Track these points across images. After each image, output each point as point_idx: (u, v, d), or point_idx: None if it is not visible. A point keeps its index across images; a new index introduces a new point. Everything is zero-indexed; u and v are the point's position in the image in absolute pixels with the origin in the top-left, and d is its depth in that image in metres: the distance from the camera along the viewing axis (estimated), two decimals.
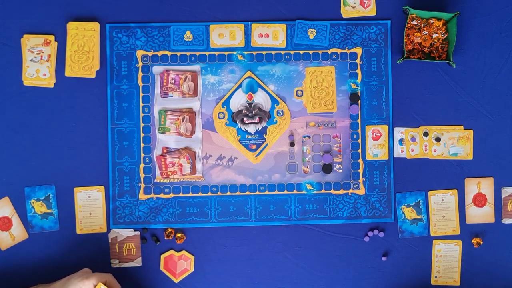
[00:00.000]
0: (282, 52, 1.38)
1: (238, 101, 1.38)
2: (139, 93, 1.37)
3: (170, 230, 1.35)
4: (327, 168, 1.37)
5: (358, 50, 1.38)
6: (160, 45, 1.37)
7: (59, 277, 1.26)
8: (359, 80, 1.38)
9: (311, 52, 1.38)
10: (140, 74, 1.37)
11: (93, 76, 1.35)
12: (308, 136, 1.38)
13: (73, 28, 1.34)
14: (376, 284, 1.37)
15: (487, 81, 1.39)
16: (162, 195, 1.37)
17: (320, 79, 1.38)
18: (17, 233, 1.35)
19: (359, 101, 1.38)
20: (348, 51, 1.38)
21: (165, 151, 1.36)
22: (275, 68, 1.38)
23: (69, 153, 1.35)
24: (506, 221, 1.38)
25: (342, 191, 1.38)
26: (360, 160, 1.38)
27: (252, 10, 1.38)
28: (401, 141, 1.38)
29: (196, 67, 1.38)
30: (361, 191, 1.38)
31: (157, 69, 1.37)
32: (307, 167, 1.38)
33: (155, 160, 1.36)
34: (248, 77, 1.38)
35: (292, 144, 1.38)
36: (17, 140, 1.35)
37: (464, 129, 1.38)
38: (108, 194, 1.36)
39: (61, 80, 1.36)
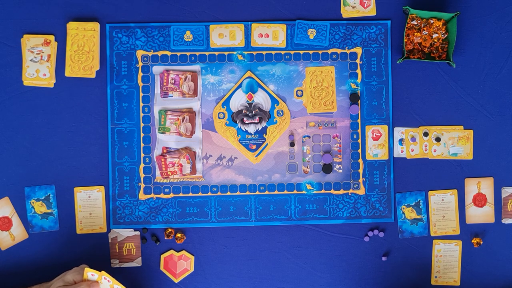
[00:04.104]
0: (282, 52, 1.38)
1: (238, 101, 1.38)
2: (139, 93, 1.37)
3: (170, 230, 1.36)
4: (327, 168, 1.37)
5: (358, 50, 1.38)
6: (160, 45, 1.37)
7: None
8: (359, 80, 1.38)
9: (311, 52, 1.38)
10: (140, 74, 1.37)
11: (93, 76, 1.35)
12: (308, 136, 1.38)
13: (73, 28, 1.34)
14: (376, 284, 1.37)
15: (487, 81, 1.39)
16: (162, 195, 1.37)
17: (320, 79, 1.38)
18: (17, 233, 1.35)
19: (359, 101, 1.38)
20: (348, 51, 1.38)
21: (165, 151, 1.36)
22: (275, 68, 1.38)
23: (69, 153, 1.35)
24: (506, 221, 1.38)
25: (342, 191, 1.38)
26: (360, 160, 1.38)
27: (252, 10, 1.38)
28: (401, 141, 1.38)
29: (196, 67, 1.38)
30: (361, 191, 1.38)
31: (157, 69, 1.37)
32: (307, 167, 1.38)
33: (155, 160, 1.36)
34: (248, 77, 1.38)
35: (292, 144, 1.38)
36: (17, 140, 1.35)
37: (464, 129, 1.38)
38: (108, 194, 1.36)
39: (61, 80, 1.36)
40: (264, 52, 1.38)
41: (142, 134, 1.37)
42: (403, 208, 1.37)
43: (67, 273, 1.21)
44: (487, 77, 1.39)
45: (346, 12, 1.38)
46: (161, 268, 1.36)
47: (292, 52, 1.38)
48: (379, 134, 1.38)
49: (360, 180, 1.38)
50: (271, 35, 1.38)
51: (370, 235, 1.37)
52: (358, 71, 1.38)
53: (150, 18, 1.38)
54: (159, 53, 1.37)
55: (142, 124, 1.37)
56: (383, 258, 1.37)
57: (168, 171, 1.35)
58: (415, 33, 1.36)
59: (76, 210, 1.35)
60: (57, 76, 1.36)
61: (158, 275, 1.36)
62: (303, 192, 1.37)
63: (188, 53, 1.38)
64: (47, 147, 1.35)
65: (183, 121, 1.35)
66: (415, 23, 1.35)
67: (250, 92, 1.38)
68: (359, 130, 1.38)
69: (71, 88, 1.36)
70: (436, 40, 1.36)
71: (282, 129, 1.38)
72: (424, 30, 1.36)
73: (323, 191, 1.37)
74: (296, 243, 1.38)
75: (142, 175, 1.37)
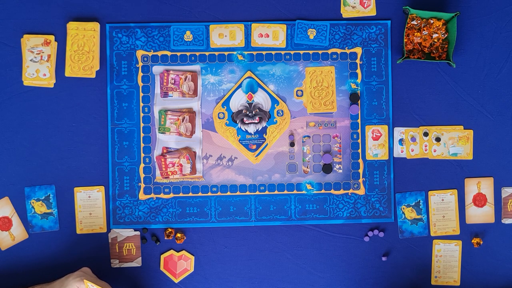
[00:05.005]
0: (282, 52, 1.38)
1: (238, 101, 1.38)
2: (139, 93, 1.37)
3: (170, 230, 1.36)
4: (327, 168, 1.37)
5: (358, 50, 1.38)
6: (160, 45, 1.37)
7: (59, 277, 1.26)
8: (359, 80, 1.38)
9: (311, 52, 1.38)
10: (140, 74, 1.37)
11: (93, 76, 1.35)
12: (308, 136, 1.38)
13: (73, 28, 1.34)
14: (376, 284, 1.37)
15: (487, 81, 1.39)
16: (162, 195, 1.37)
17: (320, 79, 1.38)
18: (17, 233, 1.35)
19: (359, 101, 1.38)
20: (348, 51, 1.38)
21: (165, 151, 1.36)
22: (275, 68, 1.38)
23: (69, 153, 1.35)
24: (506, 221, 1.38)
25: (342, 191, 1.38)
26: (360, 160, 1.38)
27: (252, 10, 1.38)
28: (401, 141, 1.38)
29: (196, 67, 1.38)
30: (361, 191, 1.38)
31: (157, 69, 1.37)
32: (307, 167, 1.38)
33: (155, 160, 1.36)
34: (248, 77, 1.38)
35: (292, 144, 1.38)
36: (17, 140, 1.35)
37: (464, 129, 1.38)
38: (108, 194, 1.36)
39: (61, 80, 1.36)
40: (264, 52, 1.38)
41: (142, 134, 1.37)
42: (403, 208, 1.37)
43: (69, 276, 1.21)
44: (487, 77, 1.39)
45: (346, 12, 1.38)
46: (161, 268, 1.36)
47: (292, 52, 1.38)
48: (379, 134, 1.38)
49: (360, 180, 1.38)
50: (271, 35, 1.38)
51: (370, 235, 1.37)
52: (358, 71, 1.38)
53: (150, 18, 1.38)
54: (159, 53, 1.37)
55: (142, 124, 1.37)
56: (383, 258, 1.37)
57: (168, 171, 1.35)
58: (415, 33, 1.36)
59: (76, 210, 1.35)
60: (57, 76, 1.36)
61: (158, 275, 1.36)
62: (303, 192, 1.37)
63: (188, 53, 1.38)
64: (47, 147, 1.35)
65: (183, 121, 1.35)
66: (415, 23, 1.35)
67: (250, 92, 1.38)
68: (359, 130, 1.38)
69: (71, 88, 1.36)
70: (436, 40, 1.36)
71: (282, 129, 1.38)
72: (424, 30, 1.36)
73: (323, 191, 1.37)
74: (296, 243, 1.38)
75: (142, 175, 1.37)
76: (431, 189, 1.38)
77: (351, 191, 1.38)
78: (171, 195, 1.37)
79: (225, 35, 1.37)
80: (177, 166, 1.35)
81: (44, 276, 1.33)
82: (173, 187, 1.37)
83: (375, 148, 1.38)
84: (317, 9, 1.39)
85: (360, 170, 1.38)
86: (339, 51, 1.38)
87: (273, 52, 1.38)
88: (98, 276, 1.29)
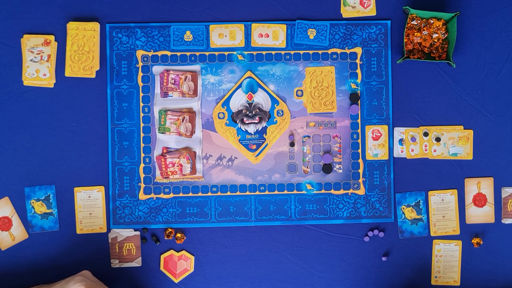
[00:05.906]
0: (282, 52, 1.38)
1: (238, 101, 1.38)
2: (139, 93, 1.37)
3: (170, 230, 1.36)
4: (327, 168, 1.37)
5: (358, 50, 1.38)
6: (160, 45, 1.37)
7: (59, 277, 1.26)
8: (359, 80, 1.38)
9: (311, 52, 1.38)
10: (140, 74, 1.37)
11: (93, 76, 1.35)
12: (308, 136, 1.38)
13: (73, 28, 1.34)
14: (376, 284, 1.37)
15: (487, 81, 1.39)
16: (162, 195, 1.37)
17: (320, 79, 1.38)
18: (17, 233, 1.35)
19: (359, 101, 1.38)
20: (348, 51, 1.38)
21: (165, 151, 1.36)
22: (275, 68, 1.38)
23: (69, 153, 1.35)
24: (506, 221, 1.38)
25: (342, 191, 1.38)
26: (360, 160, 1.38)
27: (252, 10, 1.38)
28: (401, 141, 1.38)
29: (196, 67, 1.38)
30: (361, 191, 1.38)
31: (157, 69, 1.37)
32: (307, 167, 1.38)
33: (155, 160, 1.36)
34: (248, 77, 1.38)
35: (292, 144, 1.38)
36: (17, 140, 1.35)
37: (464, 129, 1.38)
38: (108, 194, 1.36)
39: (61, 80, 1.36)
40: (264, 52, 1.38)
41: (142, 134, 1.37)
42: (403, 208, 1.37)
43: (69, 281, 1.20)
44: (487, 77, 1.39)
45: (346, 12, 1.38)
46: (161, 268, 1.36)
47: (292, 52, 1.38)
48: (379, 134, 1.38)
49: (360, 180, 1.38)
50: (271, 35, 1.38)
51: (370, 235, 1.37)
52: (358, 71, 1.38)
53: (150, 18, 1.38)
54: (159, 53, 1.37)
55: (142, 124, 1.37)
56: (383, 258, 1.37)
57: (168, 171, 1.35)
58: (415, 33, 1.36)
59: (76, 210, 1.35)
60: (57, 76, 1.36)
61: (158, 275, 1.36)
62: (303, 192, 1.37)
63: (188, 53, 1.38)
64: (47, 147, 1.35)
65: (183, 121, 1.35)
66: (415, 23, 1.35)
67: (250, 92, 1.38)
68: (359, 130, 1.38)
69: (71, 88, 1.36)
70: (436, 40, 1.36)
71: (282, 129, 1.38)
72: (424, 30, 1.36)
73: (323, 191, 1.37)
74: (296, 243, 1.38)
75: (142, 175, 1.37)
76: (431, 189, 1.38)
77: (351, 191, 1.38)
78: (171, 195, 1.37)
79: (225, 35, 1.37)
80: (177, 166, 1.35)
81: (44, 276, 1.33)
82: (173, 187, 1.37)
83: (375, 148, 1.38)
84: (317, 9, 1.39)
85: (360, 170, 1.38)
86: (339, 51, 1.38)
87: (273, 52, 1.38)
88: (98, 277, 1.29)
